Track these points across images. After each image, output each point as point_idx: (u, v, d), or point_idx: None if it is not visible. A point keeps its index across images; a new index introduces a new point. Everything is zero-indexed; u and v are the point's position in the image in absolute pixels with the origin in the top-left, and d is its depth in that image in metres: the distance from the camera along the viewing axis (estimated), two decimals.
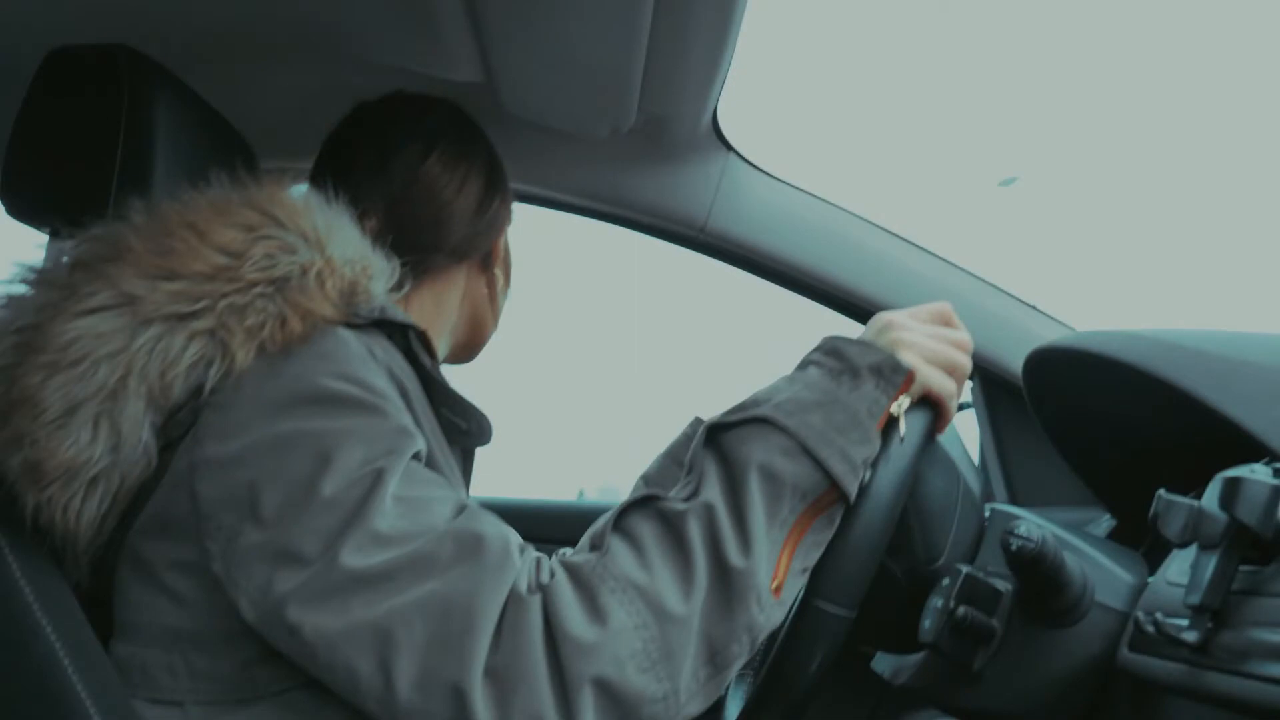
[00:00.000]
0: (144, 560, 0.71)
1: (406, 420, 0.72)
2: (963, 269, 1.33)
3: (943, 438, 0.94)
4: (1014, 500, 1.38)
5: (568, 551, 0.73)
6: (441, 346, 1.01)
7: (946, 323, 0.83)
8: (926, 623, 0.86)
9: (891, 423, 0.76)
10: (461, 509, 0.70)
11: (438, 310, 1.00)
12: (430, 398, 0.81)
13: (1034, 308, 1.32)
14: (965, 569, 0.86)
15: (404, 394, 0.76)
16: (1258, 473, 0.67)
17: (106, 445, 0.68)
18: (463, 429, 0.85)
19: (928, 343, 0.78)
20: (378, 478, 0.66)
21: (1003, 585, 0.87)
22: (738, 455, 0.71)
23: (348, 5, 1.08)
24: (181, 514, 0.69)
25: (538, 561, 0.69)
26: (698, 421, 0.98)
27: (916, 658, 0.95)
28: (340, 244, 0.77)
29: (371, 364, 0.73)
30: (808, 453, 0.70)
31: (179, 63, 0.97)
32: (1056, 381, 1.07)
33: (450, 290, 1.01)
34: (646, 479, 0.99)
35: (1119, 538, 1.05)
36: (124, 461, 0.69)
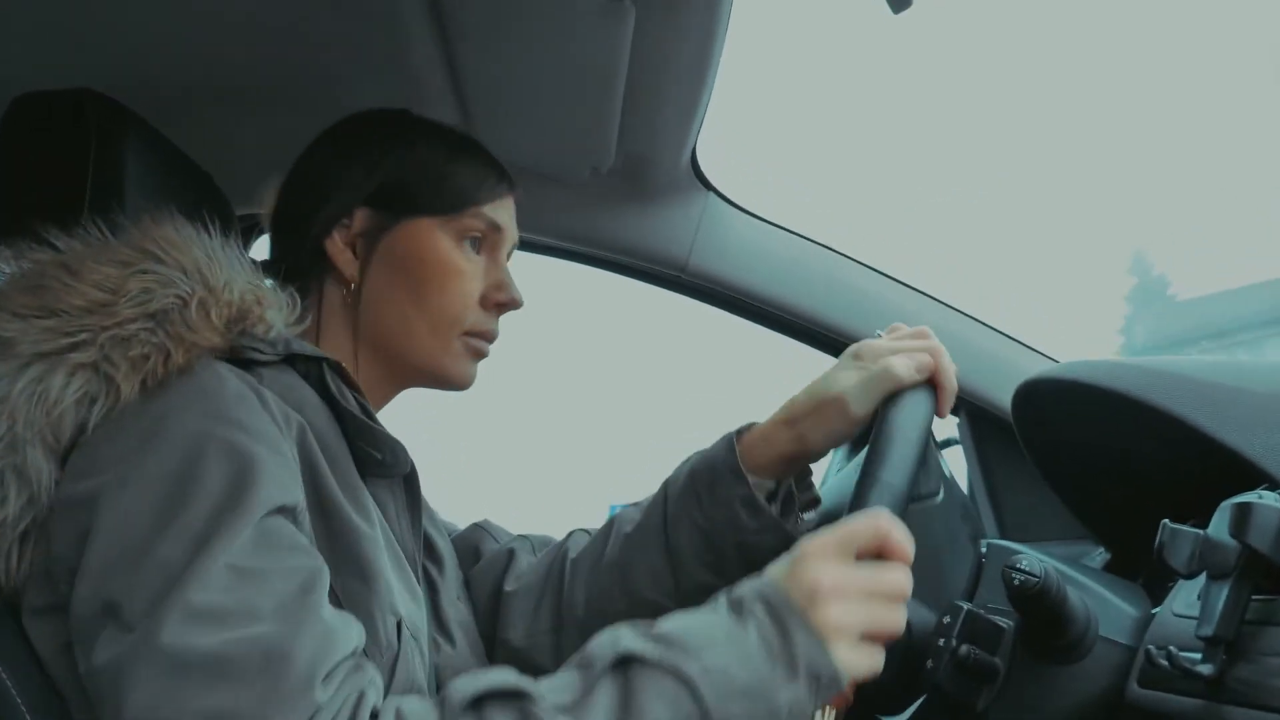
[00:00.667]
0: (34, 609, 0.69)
1: (273, 462, 0.68)
2: (944, 303, 1.33)
3: (935, 472, 0.94)
4: (1004, 536, 1.37)
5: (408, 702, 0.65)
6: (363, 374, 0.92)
7: (880, 544, 0.70)
8: (929, 663, 0.84)
9: None
10: (299, 590, 0.64)
11: (346, 334, 0.91)
12: (345, 432, 0.79)
13: (1017, 341, 1.32)
14: (966, 606, 0.84)
15: (305, 434, 0.74)
16: (1266, 498, 0.66)
17: (20, 499, 0.66)
18: (378, 459, 0.82)
19: (864, 628, 0.67)
20: (214, 536, 0.62)
21: (1004, 622, 0.85)
22: (640, 704, 0.62)
23: (324, 52, 1.07)
24: (42, 564, 0.68)
25: (359, 697, 0.62)
26: (729, 440, 0.93)
27: (917, 701, 0.93)
28: (224, 273, 0.75)
29: (249, 402, 0.70)
30: None
31: (150, 109, 0.95)
32: (1046, 413, 1.06)
33: (330, 309, 0.91)
34: (666, 491, 0.96)
35: (1114, 570, 1.04)
36: (44, 511, 0.67)
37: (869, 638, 0.68)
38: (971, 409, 1.33)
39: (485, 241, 0.94)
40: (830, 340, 1.32)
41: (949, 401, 0.87)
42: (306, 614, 0.63)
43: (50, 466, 0.68)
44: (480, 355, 0.95)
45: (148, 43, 1.05)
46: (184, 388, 0.69)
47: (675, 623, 0.67)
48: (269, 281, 0.81)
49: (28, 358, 0.67)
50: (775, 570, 0.70)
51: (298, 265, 0.90)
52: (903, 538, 0.70)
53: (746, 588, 0.69)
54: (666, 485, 0.97)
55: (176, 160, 0.99)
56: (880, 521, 0.70)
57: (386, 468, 0.83)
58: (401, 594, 0.79)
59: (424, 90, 1.12)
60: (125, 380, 0.68)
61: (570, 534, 1.06)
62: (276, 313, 0.78)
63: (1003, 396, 1.25)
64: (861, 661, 0.67)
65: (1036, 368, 1.13)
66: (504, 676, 0.64)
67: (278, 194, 0.96)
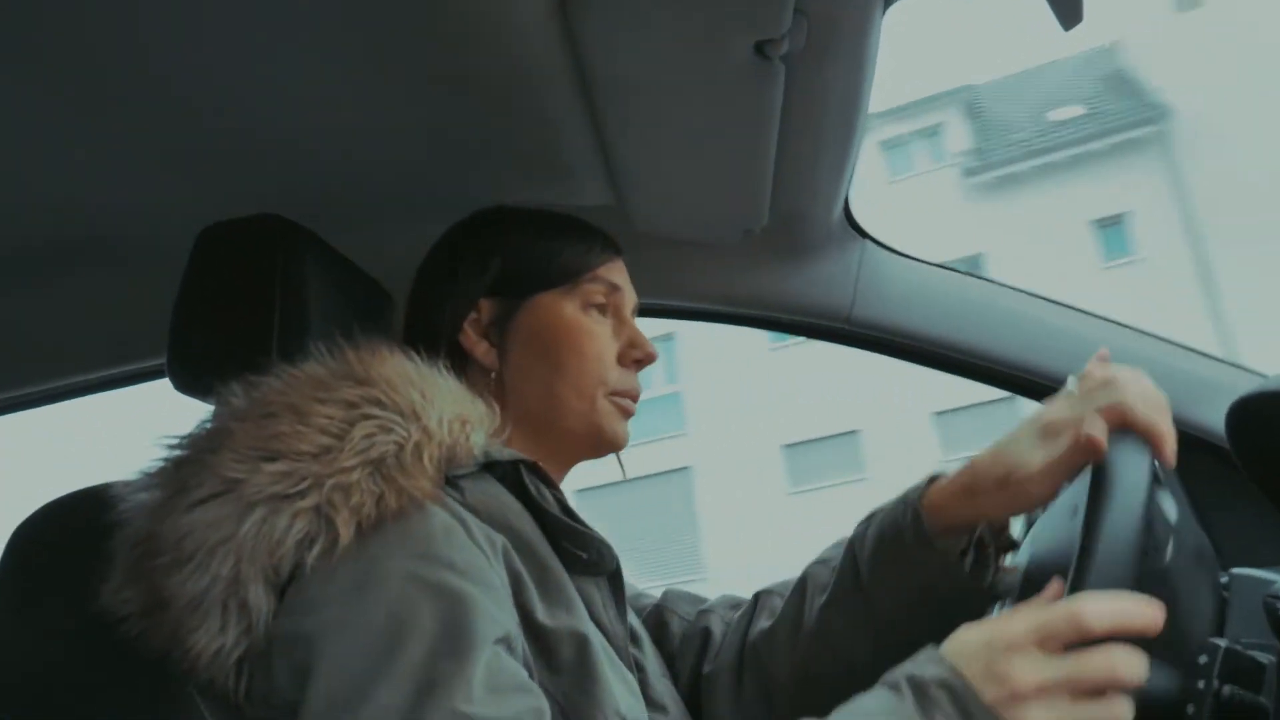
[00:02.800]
0: None
1: (485, 600, 0.69)
2: (1124, 325, 1.27)
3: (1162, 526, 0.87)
4: (1221, 561, 1.28)
5: None
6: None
7: (1082, 636, 0.66)
8: (1190, 708, 0.78)
9: None
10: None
11: (512, 424, 0.92)
12: (547, 531, 0.80)
13: (1216, 358, 1.24)
14: (1223, 644, 0.79)
15: (508, 550, 0.75)
16: None
17: (239, 629, 0.69)
18: (583, 559, 0.83)
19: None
20: (440, 684, 0.64)
21: (1265, 657, 0.79)
22: None
23: (480, 154, 1.11)
24: (263, 688, 0.70)
25: None
26: (913, 508, 0.91)
27: None
28: (437, 409, 0.77)
29: (457, 536, 0.72)
30: None
31: (321, 224, 1.00)
32: (1266, 430, 1.00)
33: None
34: (856, 557, 0.94)
35: None
36: (260, 640, 0.70)
37: None
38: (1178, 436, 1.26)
39: (609, 304, 0.98)
40: (1011, 378, 1.28)
41: (1169, 447, 0.78)
42: None
43: (270, 600, 0.70)
44: (629, 414, 0.97)
45: (317, 162, 1.11)
46: (395, 529, 0.71)
47: (862, 716, 0.66)
48: (475, 398, 0.83)
49: (255, 500, 0.70)
50: (965, 656, 0.66)
51: (442, 363, 0.93)
52: (1110, 618, 0.65)
53: (931, 672, 0.66)
54: (854, 548, 0.96)
55: (351, 273, 1.03)
56: (1082, 615, 0.65)
57: (593, 566, 0.84)
58: (621, 692, 0.79)
59: (578, 179, 1.15)
60: (344, 525, 0.70)
61: (756, 599, 1.05)
62: (480, 434, 0.80)
63: (1206, 418, 1.18)
64: None
65: (1242, 385, 1.07)
66: None
67: (409, 297, 1.02)
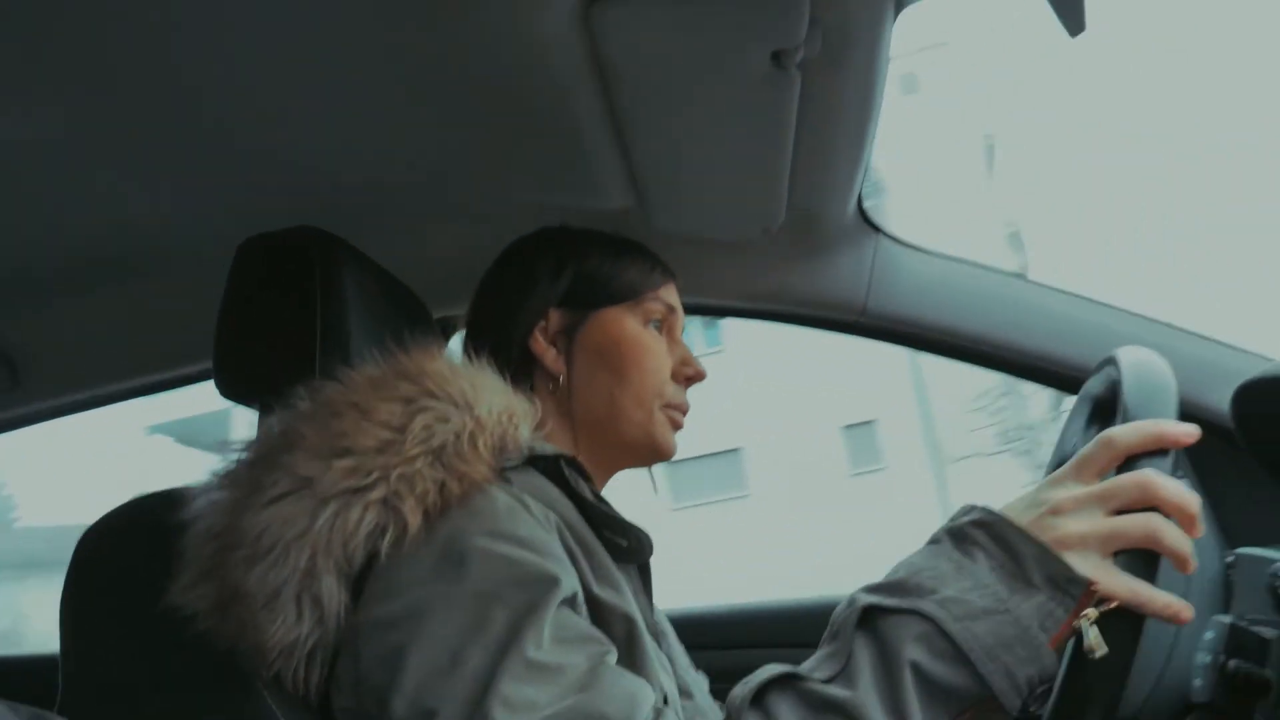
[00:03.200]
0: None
1: (552, 566, 0.74)
2: (1138, 314, 1.30)
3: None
4: (1227, 540, 1.31)
5: None
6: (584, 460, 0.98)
7: (1142, 492, 0.69)
8: (1197, 682, 0.82)
9: (1075, 633, 0.67)
10: (596, 666, 0.71)
11: (561, 424, 1.00)
12: (589, 521, 0.84)
13: (1223, 343, 1.28)
14: (1228, 620, 0.83)
15: (561, 528, 0.79)
16: None
17: (312, 620, 0.73)
18: (623, 547, 0.86)
19: (1101, 536, 0.68)
20: (516, 640, 0.69)
21: (1269, 632, 0.83)
22: (895, 649, 0.69)
23: (508, 161, 1.15)
24: (351, 676, 0.74)
25: None
26: None
27: None
28: (487, 400, 0.82)
29: (519, 514, 0.76)
30: (970, 664, 0.68)
31: (353, 233, 1.04)
32: (1271, 411, 1.03)
33: (543, 403, 0.97)
34: None
35: None
36: (331, 632, 0.74)
37: (1116, 547, 0.68)
38: (1180, 418, 1.29)
39: (665, 323, 1.05)
40: (1025, 366, 1.31)
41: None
42: (609, 682, 0.70)
43: (341, 592, 0.74)
44: (678, 426, 1.05)
45: (349, 174, 1.14)
46: (462, 511, 0.75)
47: (905, 568, 0.73)
48: (518, 393, 0.87)
49: (328, 495, 0.74)
50: (1004, 505, 0.74)
51: (508, 368, 0.97)
52: (1139, 437, 0.71)
53: (966, 519, 0.74)
54: None
55: (385, 280, 1.07)
56: (1113, 437, 0.72)
57: (631, 554, 0.88)
58: (663, 678, 0.83)
59: (598, 184, 1.18)
60: (411, 513, 0.74)
61: None
62: (526, 426, 0.84)
63: (1213, 401, 1.21)
64: (1118, 582, 0.67)
65: (1249, 369, 1.10)
66: (771, 668, 0.73)
67: (471, 309, 1.07)
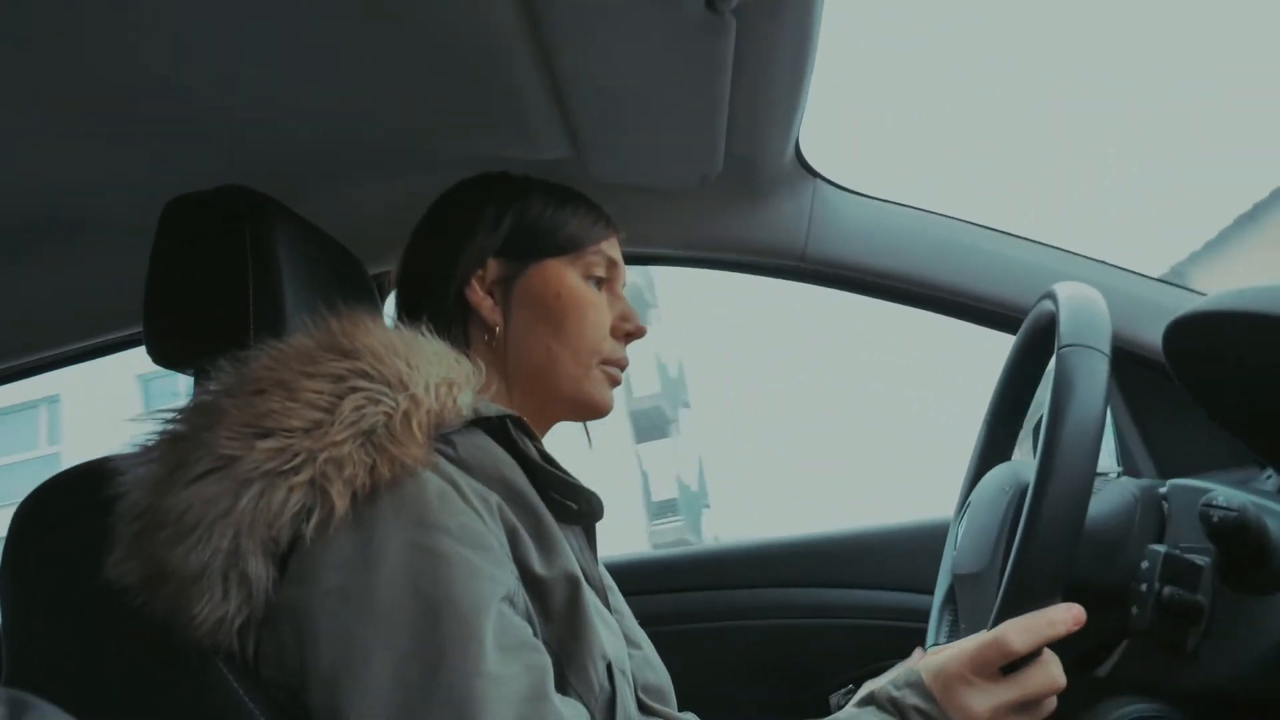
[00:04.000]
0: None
1: (482, 563, 0.72)
2: (1074, 252, 1.32)
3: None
4: (1163, 474, 1.35)
5: None
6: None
7: (1052, 686, 0.79)
8: (1134, 609, 0.85)
9: None
10: (534, 692, 0.70)
11: (497, 377, 0.97)
12: (535, 482, 0.83)
13: (1157, 280, 1.30)
14: (1162, 549, 0.85)
15: (501, 505, 0.78)
16: None
17: (239, 597, 0.71)
18: (574, 509, 0.86)
19: None
20: (441, 653, 0.67)
21: (1201, 560, 0.86)
22: None
23: (443, 115, 1.12)
24: (274, 651, 0.73)
25: None
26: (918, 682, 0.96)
27: (1119, 649, 0.94)
28: (424, 374, 0.79)
29: (451, 501, 0.74)
30: None
31: (286, 191, 1.01)
32: (1201, 346, 1.05)
33: (477, 355, 0.95)
34: None
35: None
36: (260, 607, 0.73)
37: None
38: (1116, 353, 1.32)
39: (606, 277, 1.03)
40: (966, 308, 1.33)
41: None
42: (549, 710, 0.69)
43: (270, 570, 0.72)
44: (616, 382, 1.03)
45: (279, 131, 1.11)
46: (391, 497, 0.73)
47: None
48: (460, 358, 0.85)
49: (250, 476, 0.72)
50: (928, 686, 0.78)
51: (442, 317, 0.96)
52: (1024, 645, 0.76)
53: (910, 700, 0.77)
54: None
55: (317, 239, 1.04)
56: (1008, 643, 0.76)
57: (581, 516, 0.88)
58: (606, 635, 0.83)
59: (534, 131, 1.16)
60: (339, 497, 0.72)
61: None
62: (468, 394, 0.82)
63: (1148, 335, 1.24)
64: None
65: (1182, 303, 1.13)
66: None
67: (405, 256, 1.04)
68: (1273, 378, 1.00)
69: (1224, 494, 0.81)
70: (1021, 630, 0.76)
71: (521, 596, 0.75)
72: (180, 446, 0.75)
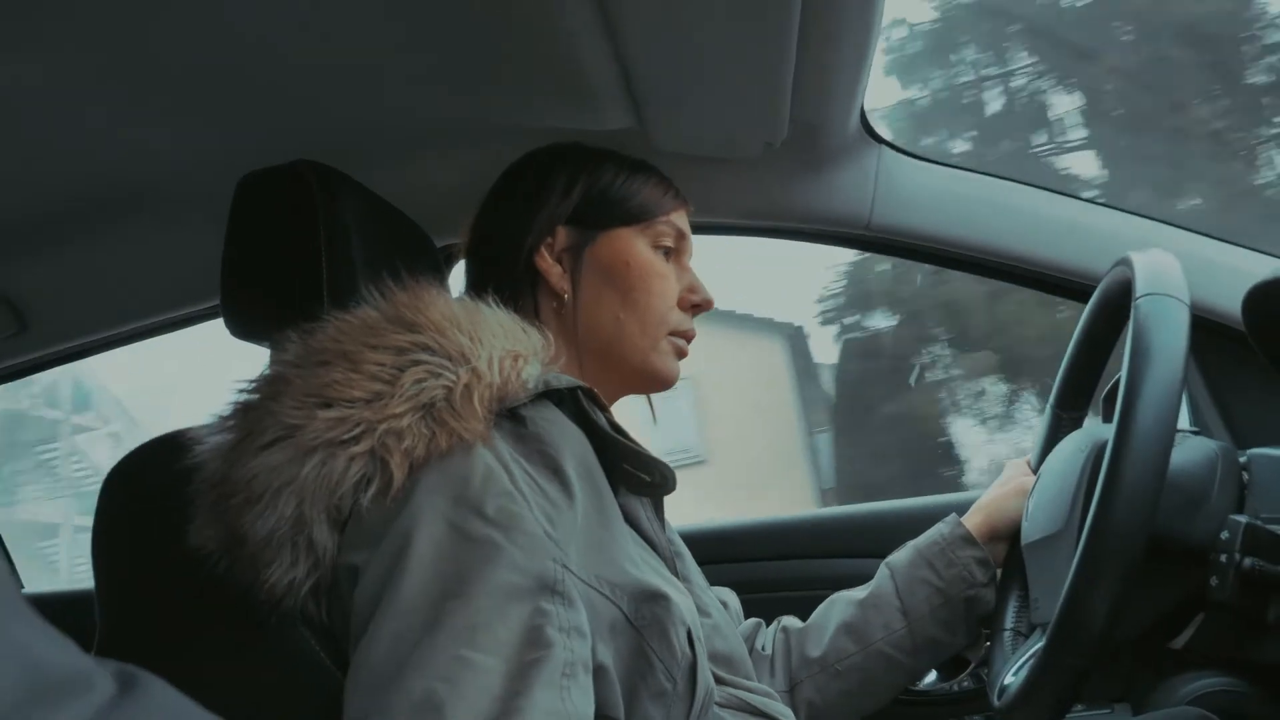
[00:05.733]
0: None
1: (514, 550, 0.70)
2: (1147, 216, 1.29)
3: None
4: (1240, 444, 1.32)
5: None
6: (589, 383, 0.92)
7: None
8: (1214, 579, 0.83)
9: None
10: (522, 681, 0.65)
11: (566, 345, 0.97)
12: (604, 454, 0.83)
13: (1240, 245, 1.27)
14: (1243, 520, 0.83)
15: (574, 473, 0.77)
16: None
17: (308, 564, 0.73)
18: (647, 482, 0.86)
19: None
20: (436, 626, 0.66)
21: None
22: None
23: (506, 84, 1.13)
24: (343, 616, 0.74)
25: None
26: (954, 521, 1.16)
27: (1196, 620, 0.92)
28: (487, 348, 0.78)
29: (496, 481, 0.72)
30: None
31: (355, 165, 1.02)
32: None
33: (546, 323, 0.97)
34: (892, 568, 1.15)
35: None
36: (329, 572, 0.74)
37: None
38: (1193, 320, 1.29)
39: (674, 248, 1.03)
40: (1033, 275, 1.30)
41: None
42: (523, 713, 0.64)
43: (334, 536, 0.74)
44: (683, 354, 1.03)
45: (346, 105, 1.12)
46: (438, 468, 0.73)
47: None
48: (528, 329, 0.84)
49: (312, 445, 0.72)
50: None
51: (511, 285, 0.97)
52: None
53: None
54: (890, 565, 1.17)
55: (387, 212, 1.05)
56: None
57: (654, 489, 0.88)
58: (687, 606, 0.83)
59: (598, 101, 1.16)
60: (398, 468, 0.72)
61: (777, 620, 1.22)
62: (535, 366, 0.81)
63: (1225, 303, 1.21)
64: None
65: (1263, 269, 1.09)
66: None
67: (475, 223, 1.05)
68: None
69: None
70: None
71: (570, 579, 0.72)
72: (251, 416, 0.77)
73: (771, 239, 1.41)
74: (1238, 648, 0.89)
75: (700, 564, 1.07)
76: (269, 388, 0.78)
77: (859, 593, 1.16)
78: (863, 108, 1.27)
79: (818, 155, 1.31)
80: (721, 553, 1.51)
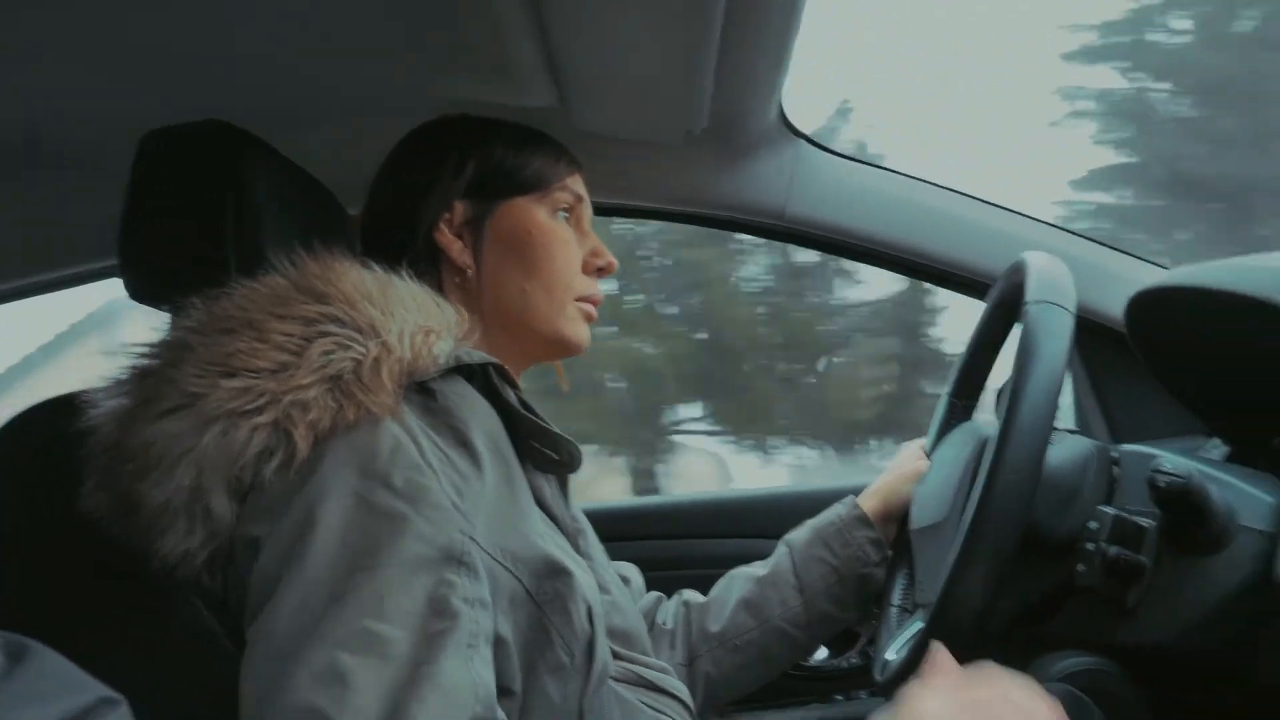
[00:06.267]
0: None
1: (422, 522, 0.70)
2: (1047, 222, 1.35)
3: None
4: (1117, 440, 1.40)
5: None
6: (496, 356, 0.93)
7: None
8: (1081, 567, 0.89)
9: None
10: (429, 651, 0.66)
11: (472, 319, 0.93)
12: (514, 430, 0.84)
13: (1125, 252, 1.34)
14: (1111, 511, 0.89)
15: (483, 446, 0.77)
16: None
17: (204, 533, 0.72)
18: (554, 459, 0.87)
19: None
20: (341, 598, 0.66)
21: (1146, 522, 0.90)
22: None
23: (427, 55, 1.11)
24: (238, 589, 0.74)
25: None
26: (851, 503, 1.21)
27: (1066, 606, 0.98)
28: (399, 322, 0.78)
29: (404, 452, 0.72)
30: None
31: (268, 130, 1.00)
32: (1161, 320, 1.09)
33: (451, 298, 0.95)
34: (790, 546, 1.19)
35: (1234, 462, 1.07)
36: (226, 542, 0.74)
37: None
38: (1077, 322, 1.35)
39: (573, 214, 1.02)
40: (937, 273, 1.36)
41: None
42: (429, 681, 0.65)
43: (232, 506, 0.73)
44: (591, 319, 1.03)
45: (261, 68, 1.10)
46: (344, 442, 0.72)
47: None
48: (441, 303, 0.84)
49: (214, 415, 0.71)
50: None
51: (412, 262, 0.94)
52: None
53: None
54: (789, 543, 1.21)
55: (301, 180, 1.03)
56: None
57: (561, 466, 0.89)
58: (588, 582, 0.84)
59: (520, 77, 1.16)
60: (302, 439, 0.71)
61: (679, 593, 1.25)
62: (447, 342, 0.81)
63: (1110, 307, 1.28)
64: None
65: (1146, 277, 1.16)
66: None
67: (370, 200, 1.03)
68: (1226, 353, 1.05)
69: (1172, 461, 0.85)
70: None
71: (477, 551, 0.73)
72: (149, 382, 0.75)
73: (691, 224, 1.44)
74: (1103, 632, 0.95)
75: (603, 541, 1.09)
76: (169, 354, 0.76)
77: (758, 569, 1.20)
78: (782, 101, 1.30)
79: (737, 145, 1.34)
80: (624, 531, 1.54)
